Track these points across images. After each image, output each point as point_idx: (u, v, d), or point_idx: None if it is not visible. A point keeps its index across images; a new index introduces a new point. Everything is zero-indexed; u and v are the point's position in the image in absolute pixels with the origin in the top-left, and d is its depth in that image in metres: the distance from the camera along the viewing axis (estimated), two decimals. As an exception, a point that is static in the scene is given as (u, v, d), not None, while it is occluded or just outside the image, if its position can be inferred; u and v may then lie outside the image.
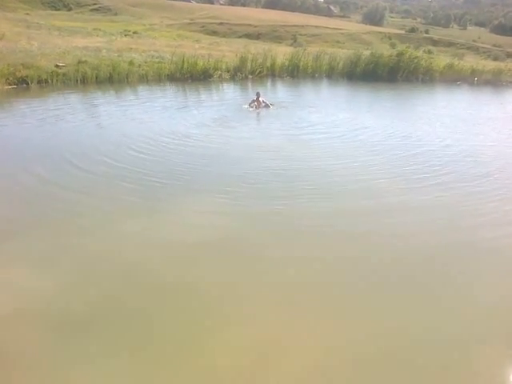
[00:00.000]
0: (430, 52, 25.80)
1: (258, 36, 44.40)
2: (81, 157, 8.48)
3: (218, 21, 50.79)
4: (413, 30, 62.85)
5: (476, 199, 7.24)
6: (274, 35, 45.02)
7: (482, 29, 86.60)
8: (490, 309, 4.72)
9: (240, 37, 42.99)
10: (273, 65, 20.24)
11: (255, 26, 47.74)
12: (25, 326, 4.18)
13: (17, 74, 14.47)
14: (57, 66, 15.64)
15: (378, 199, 7.16)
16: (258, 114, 12.93)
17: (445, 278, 5.21)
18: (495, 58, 39.76)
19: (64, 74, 15.38)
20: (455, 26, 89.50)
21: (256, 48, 22.51)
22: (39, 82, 14.81)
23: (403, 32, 57.65)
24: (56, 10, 54.79)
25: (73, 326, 4.18)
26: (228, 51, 24.42)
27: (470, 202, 7.11)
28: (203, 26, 47.56)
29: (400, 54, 21.11)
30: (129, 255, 5.34)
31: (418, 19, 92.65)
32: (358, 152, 9.51)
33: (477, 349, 4.15)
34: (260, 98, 13.33)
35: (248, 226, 6.17)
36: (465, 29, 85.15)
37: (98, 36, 28.39)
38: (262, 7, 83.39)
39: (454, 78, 21.72)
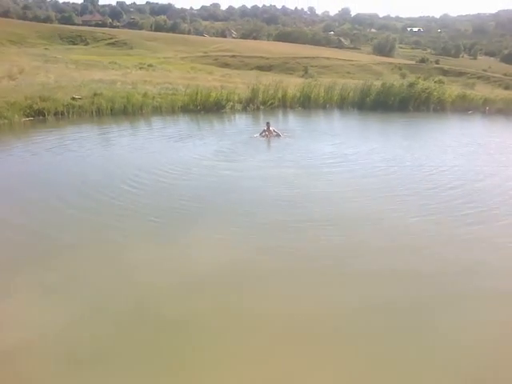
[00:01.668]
0: (440, 82, 25.81)
1: (269, 68, 45.10)
2: (88, 186, 8.57)
3: (231, 53, 51.84)
4: (423, 60, 63.30)
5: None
6: (285, 67, 45.70)
7: (492, 58, 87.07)
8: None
9: (252, 69, 43.69)
10: (284, 96, 20.45)
11: (267, 59, 48.56)
12: (32, 360, 4.12)
13: (34, 106, 14.84)
14: (73, 98, 16.02)
15: (397, 236, 6.95)
16: (269, 143, 13.01)
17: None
18: (506, 87, 39.73)
19: (80, 107, 15.73)
20: (465, 55, 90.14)
21: (268, 79, 22.79)
22: (56, 114, 15.15)
23: (413, 62, 58.17)
24: (74, 44, 56.52)
25: (80, 360, 4.12)
26: (240, 83, 24.79)
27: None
28: (216, 59, 48.53)
29: (411, 85, 21.17)
30: (137, 288, 5.30)
31: (428, 50, 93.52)
32: (376, 183, 9.37)
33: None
34: (270, 128, 13.46)
35: (256, 260, 6.08)
36: (475, 58, 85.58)
37: (113, 69, 29.08)
38: (274, 40, 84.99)
39: (466, 107, 21.69)
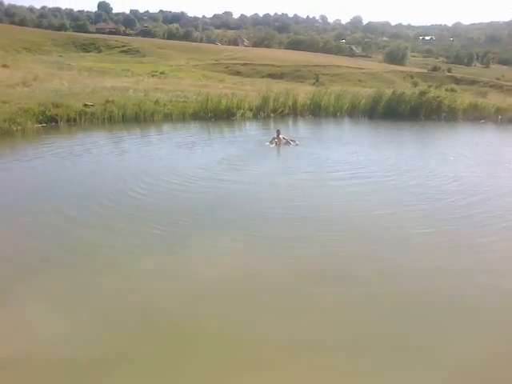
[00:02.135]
0: (452, 90, 25.61)
1: (280, 76, 45.17)
2: (97, 194, 8.58)
3: (242, 61, 52.04)
4: (435, 68, 63.11)
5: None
6: (296, 75, 45.76)
7: (505, 67, 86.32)
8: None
9: (263, 76, 43.77)
10: (294, 103, 20.40)
11: (278, 66, 48.70)
12: (38, 368, 4.13)
13: (47, 112, 15.03)
14: (85, 105, 16.19)
15: (410, 250, 6.81)
16: (279, 151, 13.00)
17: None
18: (520, 96, 39.31)
19: (92, 113, 15.89)
20: (478, 64, 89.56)
21: (279, 87, 22.81)
22: (68, 120, 15.31)
23: (426, 71, 57.94)
24: (87, 51, 57.26)
25: (86, 368, 4.12)
26: (251, 90, 24.82)
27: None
28: (228, 67, 48.77)
29: (422, 93, 21.00)
30: (143, 295, 5.30)
31: (441, 58, 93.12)
32: (390, 194, 9.24)
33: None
34: (280, 136, 13.46)
35: (260, 271, 6.02)
36: (487, 67, 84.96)
37: (126, 76, 29.36)
38: (285, 48, 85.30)
39: (478, 116, 21.45)
